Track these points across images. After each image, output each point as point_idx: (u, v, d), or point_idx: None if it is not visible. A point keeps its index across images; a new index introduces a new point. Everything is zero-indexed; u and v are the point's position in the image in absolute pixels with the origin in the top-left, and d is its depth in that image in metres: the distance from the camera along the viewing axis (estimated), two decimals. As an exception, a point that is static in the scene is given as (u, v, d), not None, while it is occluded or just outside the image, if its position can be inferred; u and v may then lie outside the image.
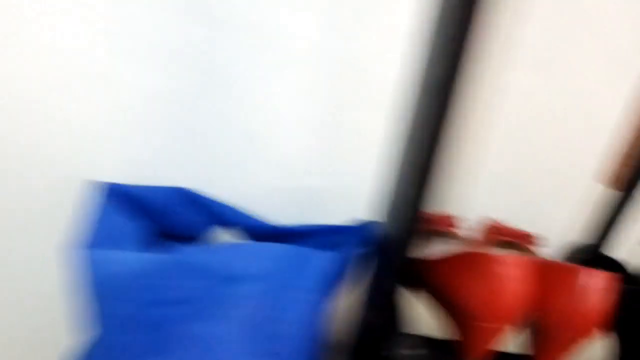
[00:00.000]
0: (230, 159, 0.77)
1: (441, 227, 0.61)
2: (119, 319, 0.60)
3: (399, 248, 0.52)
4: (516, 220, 0.63)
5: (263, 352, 0.58)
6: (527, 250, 0.63)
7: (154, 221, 0.77)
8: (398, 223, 0.52)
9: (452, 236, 0.60)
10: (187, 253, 0.59)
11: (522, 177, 0.70)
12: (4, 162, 0.79)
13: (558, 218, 0.71)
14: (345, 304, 0.62)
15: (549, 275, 0.51)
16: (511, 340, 0.56)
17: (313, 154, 0.75)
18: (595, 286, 0.50)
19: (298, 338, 0.58)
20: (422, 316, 0.60)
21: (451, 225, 0.62)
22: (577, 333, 0.51)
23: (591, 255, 0.68)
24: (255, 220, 0.76)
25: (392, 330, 0.56)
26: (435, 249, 0.59)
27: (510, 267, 0.48)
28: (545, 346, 0.53)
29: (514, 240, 0.57)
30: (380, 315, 0.56)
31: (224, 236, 0.78)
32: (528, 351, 0.56)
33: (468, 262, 0.51)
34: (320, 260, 0.57)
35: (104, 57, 0.72)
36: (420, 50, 0.50)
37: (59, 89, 0.75)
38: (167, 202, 0.78)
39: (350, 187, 0.77)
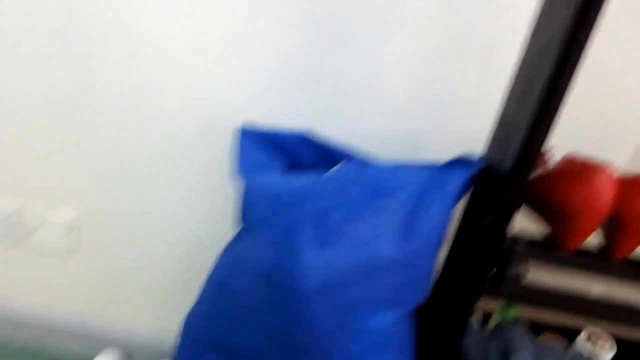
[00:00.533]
0: (348, 106, 0.95)
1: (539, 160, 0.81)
2: (287, 223, 0.78)
3: (512, 183, 0.70)
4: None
5: (404, 247, 0.77)
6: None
7: (283, 158, 0.95)
8: (512, 156, 0.71)
9: (544, 167, 0.79)
10: (347, 168, 0.78)
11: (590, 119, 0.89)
12: (165, 107, 0.98)
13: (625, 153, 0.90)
14: (459, 213, 0.82)
15: (628, 184, 0.71)
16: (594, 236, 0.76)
17: (421, 101, 0.94)
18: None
19: (432, 238, 0.77)
20: (523, 223, 0.79)
21: (544, 157, 0.81)
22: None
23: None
24: (367, 159, 0.94)
25: (502, 232, 0.75)
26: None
27: (605, 174, 0.68)
28: (621, 238, 0.73)
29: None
30: (491, 220, 0.75)
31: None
32: (605, 244, 0.76)
33: (570, 172, 0.71)
34: (454, 175, 0.76)
35: (245, 17, 0.90)
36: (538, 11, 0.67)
37: (206, 45, 0.93)
38: (294, 143, 0.96)
39: (454, 130, 0.95)
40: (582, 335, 1.01)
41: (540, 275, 0.80)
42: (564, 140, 0.81)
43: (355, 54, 0.90)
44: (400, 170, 0.77)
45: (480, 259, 0.75)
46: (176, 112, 0.99)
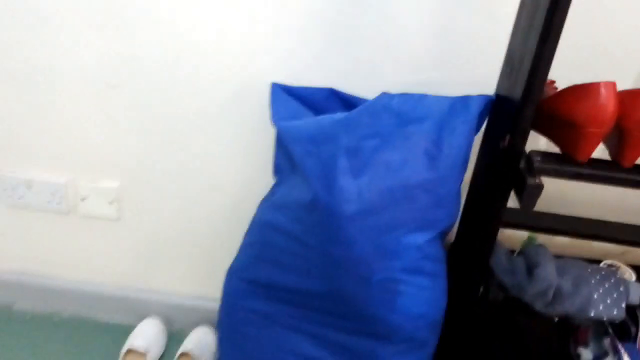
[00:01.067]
0: (368, 62, 1.07)
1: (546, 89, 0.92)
2: (323, 157, 0.89)
3: (522, 106, 0.81)
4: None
5: (431, 170, 0.87)
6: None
7: (312, 112, 1.06)
8: (522, 81, 0.82)
9: (552, 93, 0.90)
10: (374, 101, 0.89)
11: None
12: (200, 74, 1.10)
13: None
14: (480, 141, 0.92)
15: (630, 96, 0.82)
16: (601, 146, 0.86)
17: (434, 54, 1.05)
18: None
19: (456, 160, 0.88)
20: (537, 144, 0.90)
21: (552, 85, 0.92)
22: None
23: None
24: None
25: (518, 150, 0.86)
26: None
27: (607, 87, 0.79)
28: (626, 146, 0.84)
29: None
30: (508, 141, 0.85)
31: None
32: (614, 154, 0.87)
33: (576, 90, 0.82)
34: (472, 102, 0.87)
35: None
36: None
37: (236, 13, 1.04)
38: (321, 98, 1.07)
39: (466, 77, 1.05)
40: (602, 265, 1.12)
41: (557, 187, 0.90)
42: (567, 75, 0.92)
43: (372, 16, 1.01)
44: (424, 99, 0.88)
45: (502, 176, 0.86)
46: (210, 79, 1.10)
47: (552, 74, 0.79)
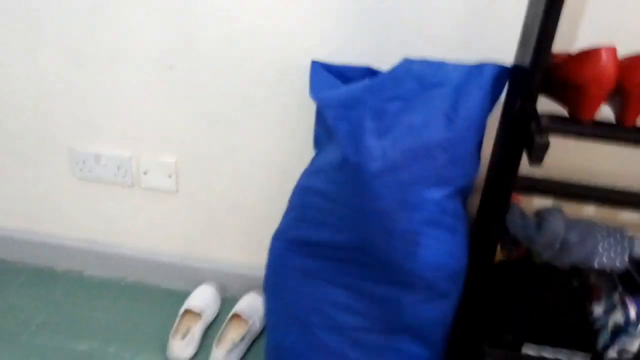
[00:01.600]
0: (400, 42, 1.18)
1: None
2: (352, 119, 1.01)
3: (531, 71, 0.91)
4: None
5: (450, 130, 0.98)
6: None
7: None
8: (531, 50, 0.92)
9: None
10: (398, 67, 1.00)
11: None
12: (247, 56, 1.25)
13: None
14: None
15: (631, 60, 0.90)
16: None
17: (467, 33, 1.15)
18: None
19: (472, 120, 0.98)
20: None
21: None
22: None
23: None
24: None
25: (529, 112, 0.95)
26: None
27: (607, 50, 0.88)
28: (626, 107, 0.92)
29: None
30: (520, 104, 0.95)
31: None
32: (615, 116, 0.95)
33: (581, 55, 0.91)
34: (487, 68, 0.97)
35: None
36: None
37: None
38: (359, 75, 1.19)
39: (497, 59, 1.15)
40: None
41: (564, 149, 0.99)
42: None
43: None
44: (444, 66, 0.99)
45: (515, 136, 0.96)
46: (256, 59, 1.25)
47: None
